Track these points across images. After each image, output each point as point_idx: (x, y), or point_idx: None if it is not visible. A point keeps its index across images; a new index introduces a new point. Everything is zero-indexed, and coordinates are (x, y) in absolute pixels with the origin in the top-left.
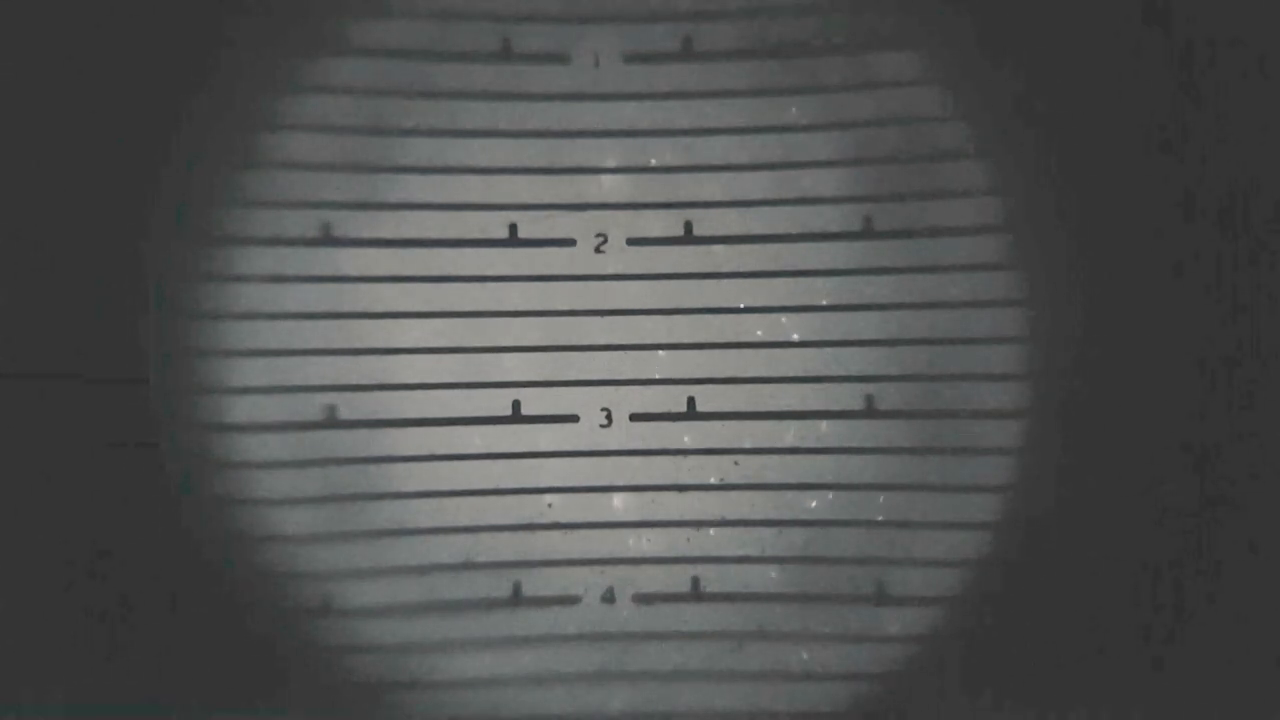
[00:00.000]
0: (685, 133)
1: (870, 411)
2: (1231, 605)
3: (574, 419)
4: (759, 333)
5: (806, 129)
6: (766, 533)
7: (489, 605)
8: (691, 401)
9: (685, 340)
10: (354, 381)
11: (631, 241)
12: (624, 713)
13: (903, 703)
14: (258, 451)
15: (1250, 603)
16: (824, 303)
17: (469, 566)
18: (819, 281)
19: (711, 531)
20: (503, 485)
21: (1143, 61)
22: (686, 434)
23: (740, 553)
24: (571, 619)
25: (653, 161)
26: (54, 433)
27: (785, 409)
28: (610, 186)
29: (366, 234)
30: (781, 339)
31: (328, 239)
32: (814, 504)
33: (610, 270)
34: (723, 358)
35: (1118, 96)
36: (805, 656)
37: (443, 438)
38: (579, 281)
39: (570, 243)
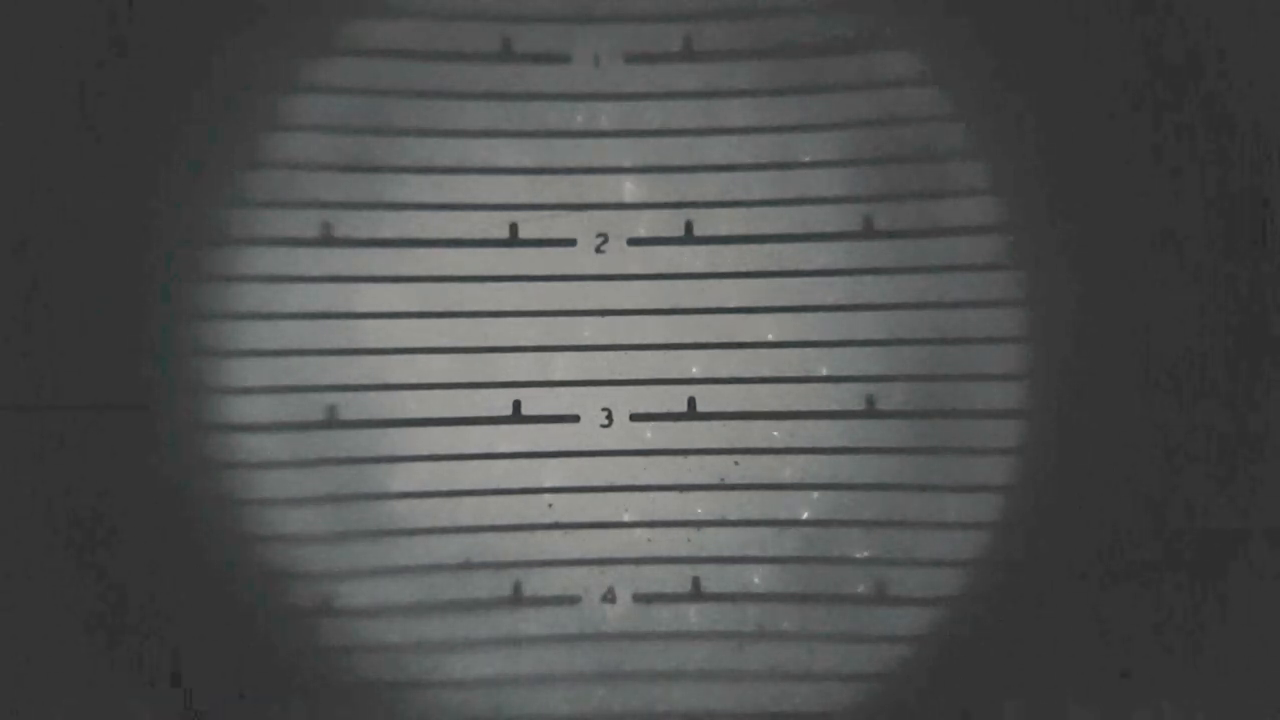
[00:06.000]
0: (685, 133)
1: (870, 411)
2: (1235, 605)
3: (574, 419)
4: (759, 333)
5: (806, 129)
6: (766, 533)
7: (489, 605)
8: (691, 401)
9: (685, 340)
10: (354, 381)
11: (631, 241)
12: (624, 713)
13: (903, 703)
14: (258, 451)
15: (1254, 603)
16: (824, 303)
17: (469, 566)
18: (819, 281)
19: (711, 531)
20: (503, 485)
21: (1143, 62)
22: (686, 434)
23: (740, 553)
24: (571, 619)
25: (653, 161)
26: (53, 433)
27: (785, 409)
28: (610, 186)
29: (366, 234)
30: (781, 339)
31: (328, 239)
32: (814, 504)
33: (610, 270)
34: (723, 358)
35: (1118, 96)
36: (805, 656)
37: (443, 438)
38: (579, 281)
39: (570, 243)
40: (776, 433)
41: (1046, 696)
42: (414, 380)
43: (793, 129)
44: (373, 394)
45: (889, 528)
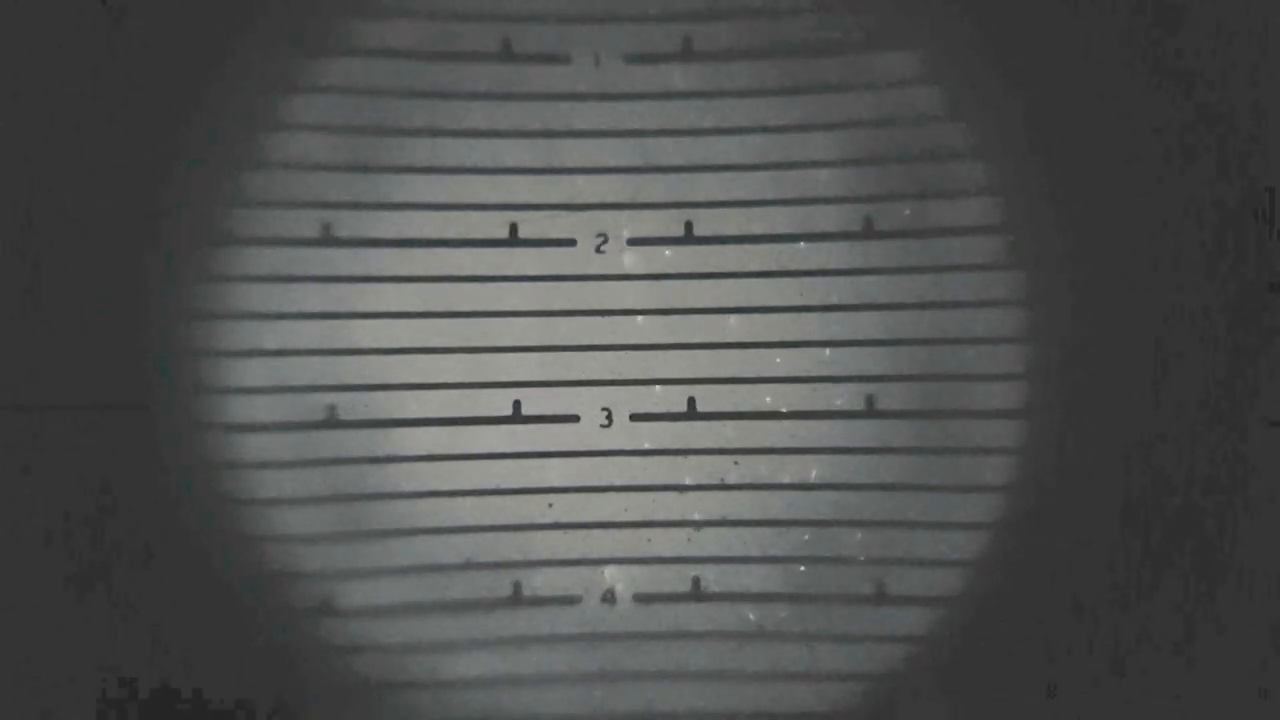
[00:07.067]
0: (685, 133)
1: (870, 411)
2: (1232, 605)
3: (574, 419)
4: (759, 333)
5: (806, 129)
6: (766, 533)
7: (489, 605)
8: (691, 401)
9: (685, 340)
10: (354, 381)
11: (631, 241)
12: (624, 713)
13: (902, 703)
14: (258, 451)
15: (1251, 602)
16: (824, 303)
17: (469, 566)
18: (819, 281)
19: (711, 531)
20: (503, 485)
21: (1143, 61)
22: (686, 434)
23: (740, 553)
24: (571, 619)
25: (653, 161)
26: (52, 434)
27: (785, 409)
28: (610, 186)
29: (366, 234)
30: (781, 339)
31: (328, 239)
32: (814, 504)
33: (610, 270)
34: (723, 358)
35: (1118, 96)
36: (805, 656)
37: (443, 438)
38: (579, 281)
39: (570, 243)
40: (776, 433)
41: (1045, 696)
42: (414, 380)
43: (793, 129)
44: (373, 394)
45: (889, 528)
